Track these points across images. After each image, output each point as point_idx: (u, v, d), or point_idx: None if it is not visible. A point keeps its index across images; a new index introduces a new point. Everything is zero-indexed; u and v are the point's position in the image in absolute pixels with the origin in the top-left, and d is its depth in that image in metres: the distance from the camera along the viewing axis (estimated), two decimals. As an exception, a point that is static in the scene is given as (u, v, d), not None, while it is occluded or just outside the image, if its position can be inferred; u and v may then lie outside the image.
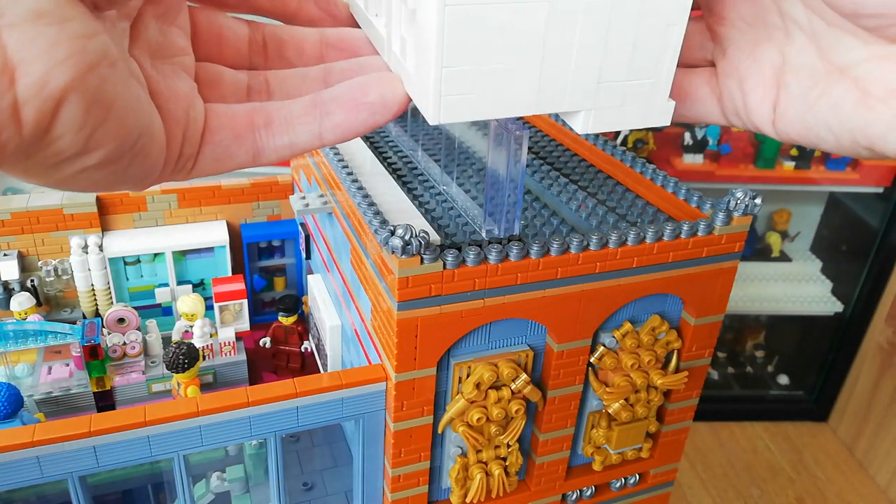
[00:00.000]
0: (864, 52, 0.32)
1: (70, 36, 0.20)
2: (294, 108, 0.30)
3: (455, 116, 0.28)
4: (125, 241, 0.59)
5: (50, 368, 0.54)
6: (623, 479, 0.48)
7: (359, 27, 0.36)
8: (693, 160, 1.22)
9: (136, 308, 0.56)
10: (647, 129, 1.29)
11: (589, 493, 0.46)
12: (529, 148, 0.52)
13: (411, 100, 0.31)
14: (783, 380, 1.43)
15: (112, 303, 0.60)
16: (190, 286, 0.62)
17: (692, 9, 0.32)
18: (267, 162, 0.30)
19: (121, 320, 0.55)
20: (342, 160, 0.44)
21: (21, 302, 0.55)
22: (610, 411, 0.42)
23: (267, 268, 0.66)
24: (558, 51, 0.29)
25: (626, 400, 0.42)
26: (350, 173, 0.42)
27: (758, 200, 0.40)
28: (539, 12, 0.28)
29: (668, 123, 0.32)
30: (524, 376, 0.38)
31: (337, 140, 0.31)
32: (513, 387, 0.38)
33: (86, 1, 0.21)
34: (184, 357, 0.49)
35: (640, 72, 0.31)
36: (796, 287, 1.32)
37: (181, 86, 0.28)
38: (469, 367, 0.38)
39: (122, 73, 0.23)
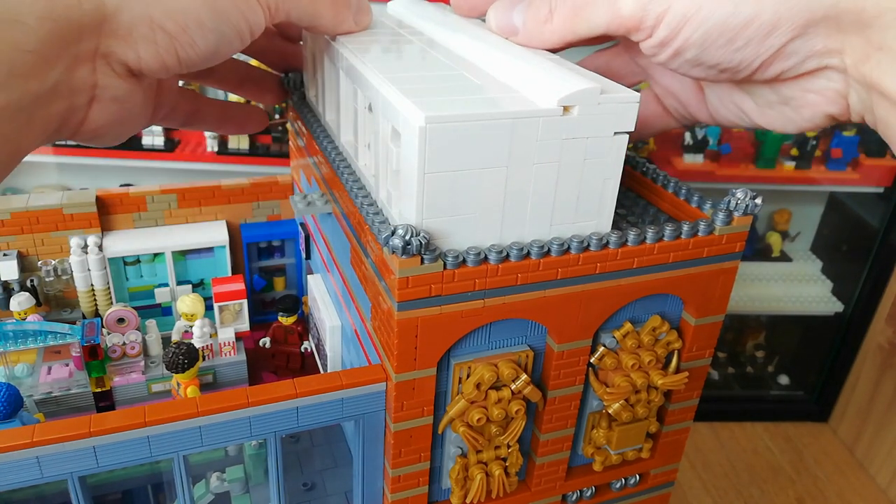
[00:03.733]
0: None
1: None
2: None
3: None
4: (125, 241, 0.59)
5: (49, 368, 0.54)
6: (623, 480, 0.48)
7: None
8: (693, 160, 1.22)
9: (135, 308, 0.56)
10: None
11: (589, 493, 0.46)
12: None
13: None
14: (783, 380, 1.43)
15: (112, 303, 0.60)
16: (190, 286, 0.62)
17: (608, 41, 0.38)
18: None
19: (120, 320, 0.55)
20: (343, 160, 0.44)
21: (21, 302, 0.55)
22: (610, 412, 0.42)
23: (267, 268, 0.66)
24: (517, 203, 0.34)
25: (627, 400, 0.42)
26: (351, 173, 0.42)
27: (758, 200, 0.40)
28: (500, 176, 0.33)
29: None
30: (524, 376, 0.38)
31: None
32: (513, 387, 0.38)
33: None
34: (183, 357, 0.49)
35: (584, 216, 0.36)
36: (796, 287, 1.32)
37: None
38: (469, 368, 0.38)
39: None
